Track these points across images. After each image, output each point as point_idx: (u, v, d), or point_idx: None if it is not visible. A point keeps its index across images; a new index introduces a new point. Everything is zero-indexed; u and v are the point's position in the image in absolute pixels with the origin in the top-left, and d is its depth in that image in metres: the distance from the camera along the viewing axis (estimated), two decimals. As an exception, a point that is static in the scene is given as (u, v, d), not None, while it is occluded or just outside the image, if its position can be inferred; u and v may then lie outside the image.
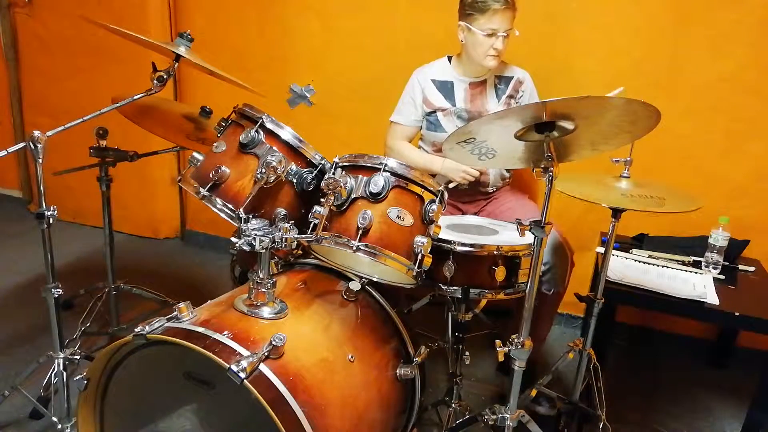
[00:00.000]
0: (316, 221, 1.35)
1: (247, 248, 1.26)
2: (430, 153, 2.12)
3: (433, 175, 1.95)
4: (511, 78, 2.08)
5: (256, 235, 1.26)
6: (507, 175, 2.15)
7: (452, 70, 2.08)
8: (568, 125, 1.26)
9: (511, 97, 2.07)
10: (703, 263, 2.06)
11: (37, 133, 1.36)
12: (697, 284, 1.92)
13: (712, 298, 1.81)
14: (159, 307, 2.38)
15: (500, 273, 1.48)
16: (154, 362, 1.31)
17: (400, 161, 1.34)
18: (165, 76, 1.53)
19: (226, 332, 1.17)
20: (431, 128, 2.08)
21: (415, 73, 2.11)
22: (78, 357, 1.61)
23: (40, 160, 1.38)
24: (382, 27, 2.64)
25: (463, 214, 2.10)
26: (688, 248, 2.16)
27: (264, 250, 1.27)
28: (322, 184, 1.33)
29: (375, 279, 1.47)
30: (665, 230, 2.29)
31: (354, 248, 1.26)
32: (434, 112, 2.06)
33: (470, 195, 2.12)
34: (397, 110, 2.13)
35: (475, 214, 2.09)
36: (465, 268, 1.49)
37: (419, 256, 1.31)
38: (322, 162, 1.49)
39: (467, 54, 1.99)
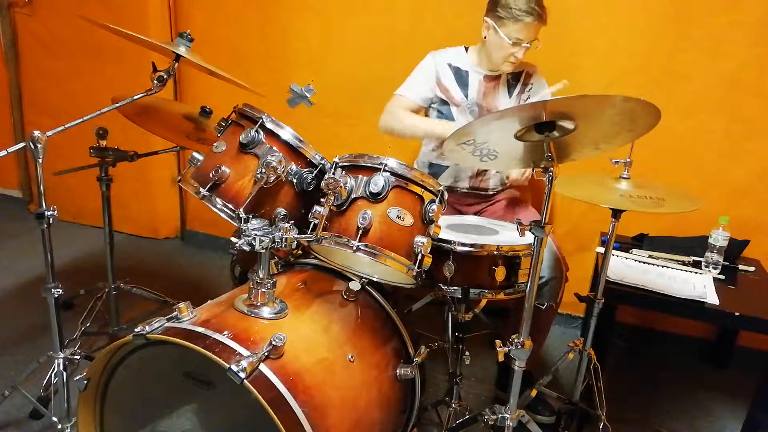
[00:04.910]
0: (316, 221, 1.35)
1: (247, 248, 1.26)
2: (436, 147, 2.09)
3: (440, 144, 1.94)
4: (521, 73, 2.05)
5: (256, 235, 1.26)
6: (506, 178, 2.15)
7: (469, 60, 2.05)
8: (568, 125, 1.26)
9: (521, 93, 2.05)
10: (703, 263, 2.06)
11: (37, 133, 1.36)
12: (697, 284, 1.92)
13: (712, 298, 1.81)
14: (159, 307, 2.38)
15: (500, 273, 1.48)
16: (154, 362, 1.30)
17: (400, 161, 1.34)
18: (165, 76, 1.52)
19: (226, 332, 1.17)
20: (443, 119, 2.04)
21: (431, 55, 2.07)
22: (78, 357, 1.61)
23: (40, 160, 1.38)
24: (382, 27, 2.64)
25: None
26: (688, 248, 2.16)
27: (264, 250, 1.28)
28: (322, 184, 1.33)
29: (375, 279, 1.47)
30: (665, 230, 2.29)
31: (354, 248, 1.26)
32: (447, 103, 2.03)
33: (472, 197, 2.12)
34: (406, 85, 2.07)
35: (476, 214, 2.09)
36: (465, 268, 1.48)
37: (419, 256, 1.31)
38: (322, 162, 1.49)
39: (487, 51, 1.96)
